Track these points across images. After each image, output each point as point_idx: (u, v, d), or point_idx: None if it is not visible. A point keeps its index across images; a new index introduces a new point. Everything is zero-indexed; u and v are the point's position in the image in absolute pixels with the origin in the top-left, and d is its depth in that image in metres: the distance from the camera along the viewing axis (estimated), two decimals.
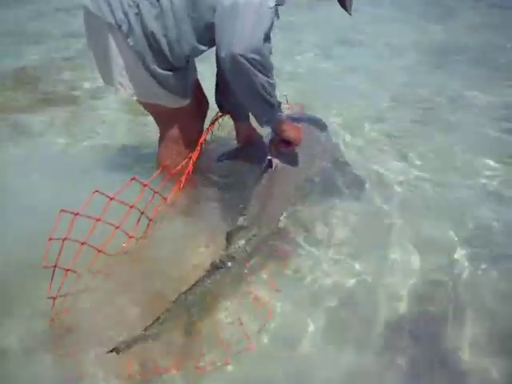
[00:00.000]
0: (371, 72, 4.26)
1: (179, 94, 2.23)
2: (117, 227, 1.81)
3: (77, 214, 1.57)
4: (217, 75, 2.41)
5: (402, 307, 1.92)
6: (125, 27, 1.99)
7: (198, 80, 2.47)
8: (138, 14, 1.98)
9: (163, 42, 2.03)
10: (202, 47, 2.12)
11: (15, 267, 1.89)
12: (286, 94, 2.92)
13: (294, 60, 4.45)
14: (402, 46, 5.09)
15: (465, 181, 2.70)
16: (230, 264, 1.83)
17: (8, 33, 5.18)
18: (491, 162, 2.84)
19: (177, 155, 2.34)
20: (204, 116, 2.54)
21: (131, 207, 1.82)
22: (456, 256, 2.18)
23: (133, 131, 3.17)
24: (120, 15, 1.99)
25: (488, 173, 2.77)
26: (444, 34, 5.55)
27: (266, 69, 1.87)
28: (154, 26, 1.99)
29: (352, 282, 2.02)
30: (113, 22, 1.99)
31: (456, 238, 2.27)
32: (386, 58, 4.68)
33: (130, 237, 1.92)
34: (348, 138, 3.04)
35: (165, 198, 2.08)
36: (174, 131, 2.35)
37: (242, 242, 1.89)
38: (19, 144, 3.02)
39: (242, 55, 1.79)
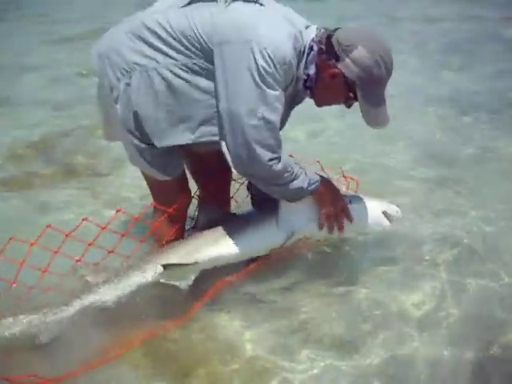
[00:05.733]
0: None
1: (160, 170, 2.13)
2: (78, 260, 2.10)
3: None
4: None
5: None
6: (115, 93, 1.98)
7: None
8: (129, 85, 1.95)
9: (145, 122, 1.97)
10: (189, 137, 2.01)
11: None
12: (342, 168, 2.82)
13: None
14: (420, 96, 4.97)
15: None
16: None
17: (21, 102, 4.96)
18: None
19: (165, 224, 2.24)
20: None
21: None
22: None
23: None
24: (113, 80, 1.97)
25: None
26: (464, 82, 5.37)
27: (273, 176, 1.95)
28: (138, 104, 1.94)
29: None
30: (107, 83, 1.99)
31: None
32: (404, 108, 4.46)
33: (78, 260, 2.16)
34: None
35: None
36: (160, 200, 2.25)
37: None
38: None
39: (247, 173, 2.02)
